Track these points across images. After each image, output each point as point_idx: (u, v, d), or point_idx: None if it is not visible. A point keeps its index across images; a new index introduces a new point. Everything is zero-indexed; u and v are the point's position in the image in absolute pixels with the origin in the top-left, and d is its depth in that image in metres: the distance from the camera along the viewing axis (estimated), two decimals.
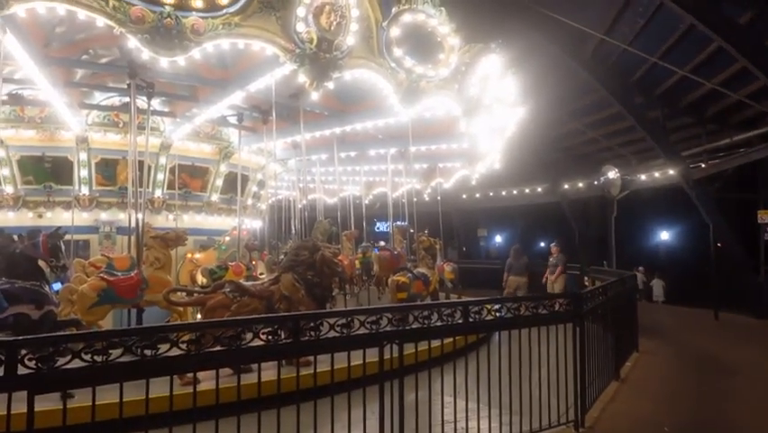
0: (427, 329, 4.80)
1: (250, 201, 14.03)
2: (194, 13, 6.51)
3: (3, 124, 9.53)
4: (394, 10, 8.28)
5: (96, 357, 3.35)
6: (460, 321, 4.97)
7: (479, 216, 30.76)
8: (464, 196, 27.09)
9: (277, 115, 10.15)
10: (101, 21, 6.18)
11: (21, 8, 5.82)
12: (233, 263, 10.23)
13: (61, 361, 3.28)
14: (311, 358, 4.45)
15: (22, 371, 3.17)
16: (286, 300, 7.37)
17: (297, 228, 16.41)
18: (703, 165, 19.22)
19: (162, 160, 11.45)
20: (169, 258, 8.50)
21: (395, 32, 8.32)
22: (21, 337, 3.21)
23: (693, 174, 18.65)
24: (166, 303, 7.48)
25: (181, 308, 8.08)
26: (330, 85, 7.70)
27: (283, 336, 4.12)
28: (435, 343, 5.35)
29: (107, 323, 8.18)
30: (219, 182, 12.75)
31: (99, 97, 10.97)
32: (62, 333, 5.40)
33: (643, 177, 21.23)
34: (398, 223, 15.80)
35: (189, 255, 11.11)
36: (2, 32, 6.22)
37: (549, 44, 17.65)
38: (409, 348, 4.70)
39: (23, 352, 3.18)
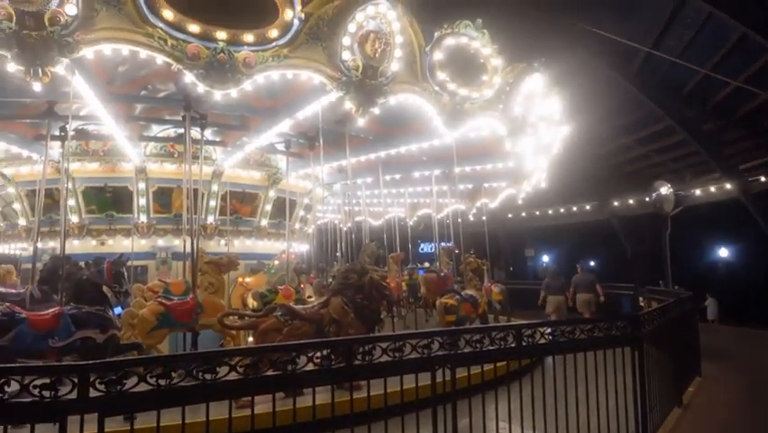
0: (479, 353, 4.76)
1: (297, 225, 14.29)
2: (245, 47, 6.81)
3: (71, 157, 10.10)
4: (436, 34, 8.41)
5: (160, 381, 3.50)
6: (512, 345, 4.90)
7: (525, 235, 30.27)
8: (510, 215, 26.78)
9: (323, 140, 10.39)
10: (160, 59, 6.54)
11: (89, 51, 6.25)
12: (283, 287, 10.43)
13: (128, 384, 3.43)
14: (363, 381, 4.47)
15: (93, 394, 3.34)
16: (335, 324, 7.43)
17: (342, 251, 16.61)
18: (763, 178, 18.37)
19: (214, 187, 11.86)
20: (222, 283, 8.74)
21: (438, 56, 8.44)
22: (92, 362, 3.38)
23: (752, 188, 17.85)
24: (220, 327, 7.69)
25: (234, 332, 8.26)
26: (375, 110, 7.85)
27: (336, 361, 4.18)
28: (488, 366, 5.29)
29: (164, 346, 8.45)
30: (268, 207, 13.07)
31: (156, 130, 11.53)
32: (130, 357, 5.62)
33: (698, 192, 20.47)
34: (444, 244, 15.73)
35: (240, 279, 11.38)
36: (71, 73, 6.66)
37: (594, 61, 17.42)
38: (462, 371, 4.66)
39: (94, 376, 3.35)
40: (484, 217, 16.16)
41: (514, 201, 16.60)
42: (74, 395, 3.31)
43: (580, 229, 27.82)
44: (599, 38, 15.39)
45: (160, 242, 11.61)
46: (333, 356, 4.20)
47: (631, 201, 24.30)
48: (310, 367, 4.06)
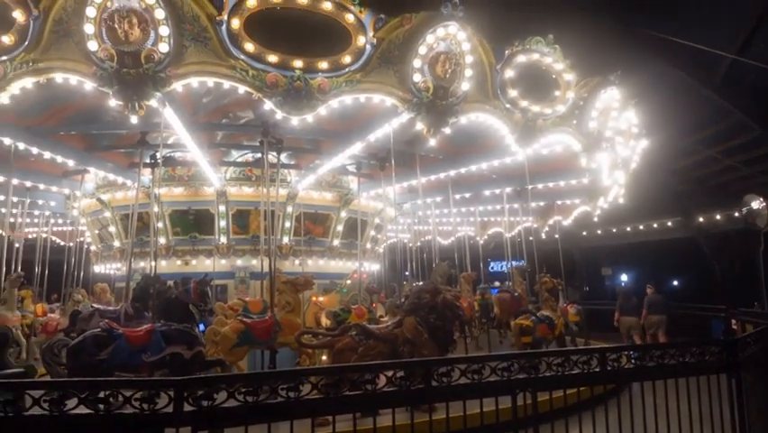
0: (561, 377, 4.60)
1: (368, 245, 14.47)
2: (320, 74, 7.09)
3: (160, 183, 10.82)
4: (507, 52, 8.37)
5: (247, 397, 3.64)
6: (596, 369, 4.71)
7: (602, 253, 29.00)
8: (584, 233, 25.81)
9: (393, 161, 10.52)
10: (242, 88, 6.92)
11: (179, 84, 6.73)
12: (356, 306, 10.56)
13: (218, 399, 3.60)
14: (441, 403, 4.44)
15: (186, 408, 3.52)
16: (409, 344, 7.42)
17: (413, 270, 16.61)
18: None
19: (289, 209, 12.27)
20: (298, 302, 8.97)
21: (509, 73, 8.39)
22: (187, 377, 3.57)
23: None
24: (297, 345, 7.88)
25: (310, 350, 8.44)
26: (447, 130, 7.89)
27: (414, 381, 4.18)
28: (571, 390, 5.10)
29: (243, 363, 8.76)
30: (340, 228, 13.34)
31: (235, 155, 12.13)
32: (221, 374, 5.88)
33: None
34: (517, 263, 15.39)
35: (314, 298, 11.64)
36: (162, 105, 7.18)
37: (674, 71, 16.64)
38: (543, 395, 4.53)
39: (188, 391, 3.53)
40: (557, 235, 15.70)
41: (589, 218, 16.06)
42: (170, 409, 3.50)
43: (661, 247, 26.33)
44: (679, 47, 14.70)
45: (239, 262, 12.11)
46: (411, 377, 4.20)
47: (718, 216, 22.76)
48: (389, 388, 4.08)
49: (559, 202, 15.30)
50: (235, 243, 12.07)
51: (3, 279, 11.38)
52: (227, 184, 11.93)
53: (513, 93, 8.42)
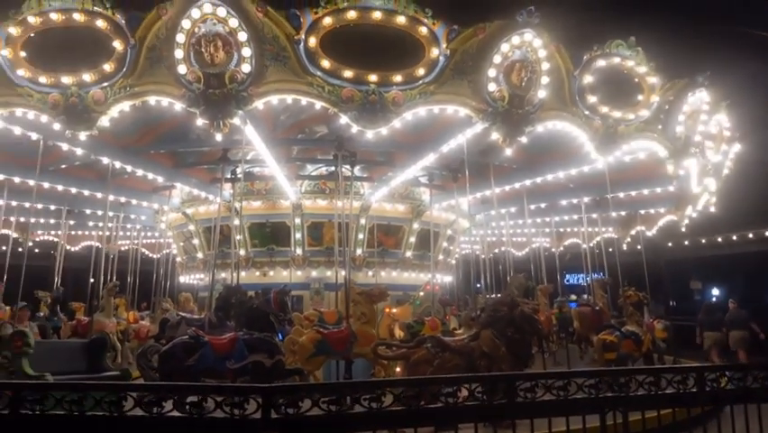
0: (655, 397, 4.35)
1: (441, 257, 14.38)
2: (394, 87, 7.18)
3: (240, 197, 11.33)
4: (585, 57, 8.11)
5: (331, 406, 3.69)
6: (693, 390, 4.42)
7: (690, 266, 27.23)
8: (670, 244, 24.38)
9: (467, 171, 10.43)
10: (318, 104, 7.13)
11: (260, 102, 7.03)
12: (429, 318, 10.48)
13: (303, 407, 3.67)
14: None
15: (273, 415, 3.62)
16: (486, 358, 7.26)
17: (486, 282, 16.31)
18: None
19: (362, 221, 12.43)
20: (373, 313, 9.02)
21: (587, 79, 8.12)
22: (275, 385, 3.68)
23: None
24: (373, 356, 7.91)
25: (386, 362, 8.45)
26: (523, 139, 7.74)
27: (494, 396, 4.08)
28: (665, 410, 4.79)
29: (318, 373, 8.90)
30: (412, 239, 13.35)
31: (310, 168, 12.46)
32: (308, 383, 6.01)
33: None
34: (597, 276, 14.74)
35: (387, 310, 11.67)
36: (244, 123, 7.52)
37: None
38: (635, 415, 4.30)
39: (275, 398, 3.63)
40: (639, 246, 14.92)
41: (676, 228, 15.19)
42: (258, 415, 3.62)
43: (758, 259, 24.40)
44: None
45: (314, 273, 12.39)
46: (492, 392, 4.11)
47: None
48: (470, 402, 4.01)
49: (642, 211, 14.59)
50: (310, 254, 12.35)
51: (100, 287, 12.27)
52: (302, 197, 12.27)
53: (592, 99, 8.13)
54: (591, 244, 15.86)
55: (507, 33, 7.25)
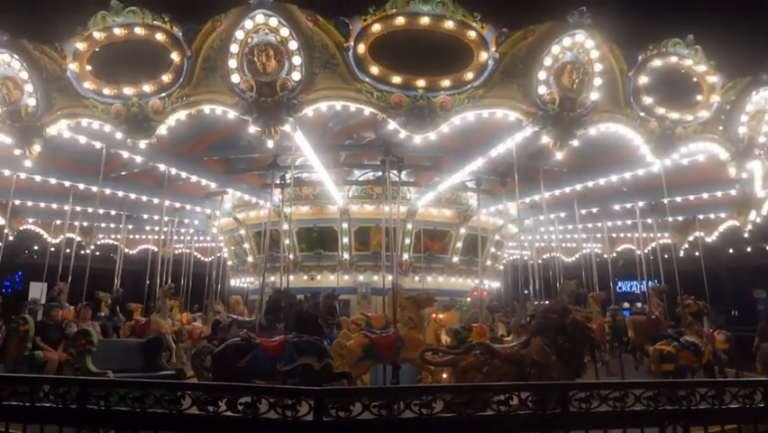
0: (718, 411, 4.16)
1: (488, 262, 14.22)
2: (442, 92, 7.16)
3: (288, 202, 11.57)
4: (640, 57, 7.85)
5: (381, 411, 3.71)
6: (761, 405, 4.20)
7: (753, 274, 25.87)
8: (731, 250, 23.24)
9: (514, 176, 10.27)
10: (367, 110, 7.19)
11: (310, 109, 7.16)
12: (477, 324, 10.37)
13: (354, 411, 3.70)
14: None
15: (325, 417, 3.67)
16: (537, 366, 7.08)
17: (534, 289, 15.99)
18: None
19: (409, 225, 12.44)
20: (420, 318, 9.01)
21: (643, 79, 7.86)
22: (326, 388, 3.73)
23: None
24: (420, 361, 7.88)
25: (433, 367, 8.40)
26: (574, 143, 7.56)
27: (547, 406, 4.00)
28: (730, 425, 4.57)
29: (365, 378, 8.92)
30: (459, 244, 13.26)
31: (357, 174, 12.58)
32: (359, 387, 6.05)
33: None
34: (651, 283, 14.21)
35: (434, 315, 11.61)
36: (294, 129, 7.68)
37: None
38: (697, 430, 4.12)
39: (327, 401, 3.68)
40: (698, 253, 14.31)
41: (737, 234, 14.47)
42: (310, 417, 3.67)
43: None
44: None
45: (361, 277, 12.47)
46: (545, 401, 4.03)
47: None
48: (523, 410, 3.95)
49: (701, 216, 13.99)
50: (357, 259, 12.45)
51: (156, 289, 12.75)
52: (350, 202, 12.39)
53: (648, 100, 7.87)
54: (646, 251, 15.30)
55: (558, 35, 7.11)
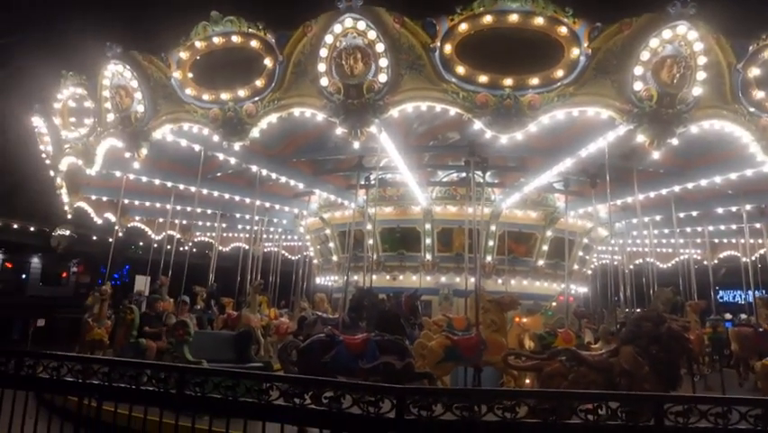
0: None
1: (576, 266, 13.68)
2: (530, 90, 6.98)
3: (373, 203, 11.77)
4: (751, 48, 7.22)
5: (464, 412, 3.67)
6: None
7: None
8: None
9: (605, 177, 9.82)
10: (453, 110, 7.16)
11: (395, 110, 7.24)
12: (563, 330, 10.01)
13: (436, 411, 3.70)
14: None
15: (406, 415, 3.69)
16: (627, 376, 6.74)
17: (626, 295, 15.17)
18: None
19: (492, 227, 12.24)
20: (503, 321, 8.83)
21: (753, 72, 7.23)
22: (409, 386, 3.76)
23: None
24: (503, 365, 7.73)
25: (516, 372, 8.21)
26: (674, 141, 7.11)
27: (639, 418, 3.79)
28: None
29: (446, 379, 8.86)
30: (545, 247, 12.87)
31: (441, 175, 12.55)
32: (442, 387, 6.04)
33: None
34: (761, 293, 13.05)
35: (517, 319, 11.33)
36: (379, 131, 7.79)
37: None
38: None
39: (409, 399, 3.70)
40: None
41: None
42: (392, 415, 3.71)
43: None
44: None
45: (443, 279, 12.42)
46: (638, 413, 3.82)
47: None
48: (613, 421, 3.77)
49: None
50: (440, 260, 12.41)
51: (247, 285, 13.40)
52: (433, 203, 12.38)
53: (759, 94, 7.22)
54: (753, 258, 14.07)
55: (658, 27, 6.71)
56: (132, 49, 8.15)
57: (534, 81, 6.91)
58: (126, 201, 13.54)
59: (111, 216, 14.30)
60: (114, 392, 4.51)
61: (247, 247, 16.35)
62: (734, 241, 15.71)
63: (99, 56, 8.23)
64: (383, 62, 6.99)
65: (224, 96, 7.79)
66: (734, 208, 12.41)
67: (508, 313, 9.48)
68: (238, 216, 16.23)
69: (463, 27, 6.93)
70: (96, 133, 9.35)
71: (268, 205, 14.51)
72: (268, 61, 7.53)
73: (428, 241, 12.42)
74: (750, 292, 13.85)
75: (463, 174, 11.07)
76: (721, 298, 25.12)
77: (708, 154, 9.76)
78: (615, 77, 6.94)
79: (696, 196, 12.06)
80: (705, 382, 11.55)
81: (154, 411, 4.43)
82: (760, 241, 13.93)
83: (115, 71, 8.23)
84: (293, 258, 19.60)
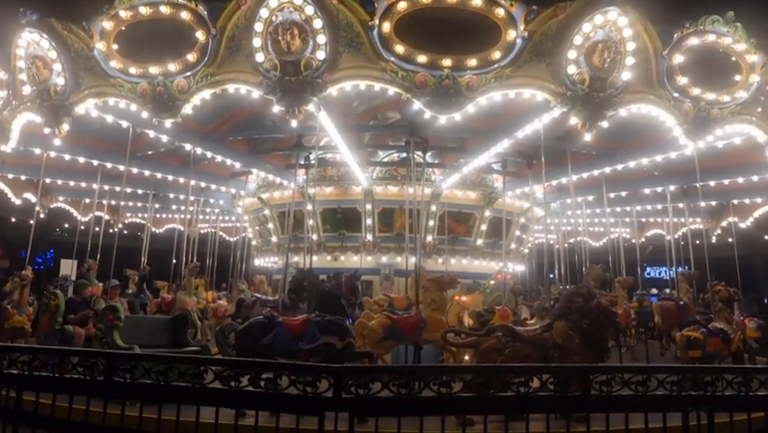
0: (745, 399, 4.06)
1: (513, 245, 14.08)
2: (468, 71, 7.03)
3: (313, 183, 11.61)
4: (676, 36, 7.56)
5: (401, 390, 3.71)
6: None
7: None
8: (767, 237, 22.57)
9: (541, 158, 10.10)
10: (392, 90, 7.11)
11: (334, 89, 7.11)
12: (500, 307, 10.30)
13: (373, 389, 3.71)
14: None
15: (344, 395, 3.69)
16: (559, 349, 7.05)
17: (560, 273, 15.81)
18: None
19: (433, 207, 12.36)
20: (443, 300, 8.97)
21: (678, 59, 7.59)
22: (346, 366, 3.75)
23: None
24: (442, 342, 7.88)
25: (455, 349, 8.39)
26: (604, 124, 7.37)
27: (568, 388, 3.96)
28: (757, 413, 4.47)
29: (387, 358, 8.97)
30: (483, 227, 13.14)
31: (382, 155, 12.51)
32: (378, 365, 6.07)
33: None
34: (682, 269, 13.90)
35: (457, 297, 11.57)
36: (318, 109, 7.64)
37: None
38: (722, 416, 4.03)
39: (346, 378, 3.70)
40: (731, 239, 13.93)
41: None
42: (330, 394, 3.70)
43: None
44: None
45: (384, 259, 12.47)
46: (566, 383, 3.99)
47: None
48: (543, 392, 3.91)
49: (735, 201, 13.59)
50: (381, 240, 12.44)
51: (182, 268, 12.98)
52: (374, 183, 12.35)
53: (683, 80, 7.60)
54: (677, 236, 14.96)
55: (590, 12, 6.89)
56: (49, 16, 7.56)
57: (473, 62, 6.96)
58: (48, 180, 12.74)
59: (31, 197, 13.43)
60: (36, 382, 4.27)
61: (182, 229, 15.83)
62: (659, 220, 16.58)
63: (12, 23, 7.59)
64: (321, 39, 6.83)
65: (153, 69, 7.38)
66: (659, 189, 13.06)
67: (448, 292, 9.66)
68: (172, 196, 15.60)
69: (402, 6, 6.86)
70: (10, 107, 8.67)
71: (203, 185, 14.01)
72: (200, 34, 7.19)
73: (369, 221, 12.41)
74: (673, 269, 14.72)
75: (404, 154, 11.09)
76: (648, 274, 26.64)
77: (636, 137, 10.19)
78: (550, 60, 7.09)
79: (625, 177, 12.59)
80: (632, 354, 12.27)
81: (80, 401, 4.23)
82: (683, 220, 14.79)
83: (31, 40, 7.63)
84: (231, 239, 19.16)
